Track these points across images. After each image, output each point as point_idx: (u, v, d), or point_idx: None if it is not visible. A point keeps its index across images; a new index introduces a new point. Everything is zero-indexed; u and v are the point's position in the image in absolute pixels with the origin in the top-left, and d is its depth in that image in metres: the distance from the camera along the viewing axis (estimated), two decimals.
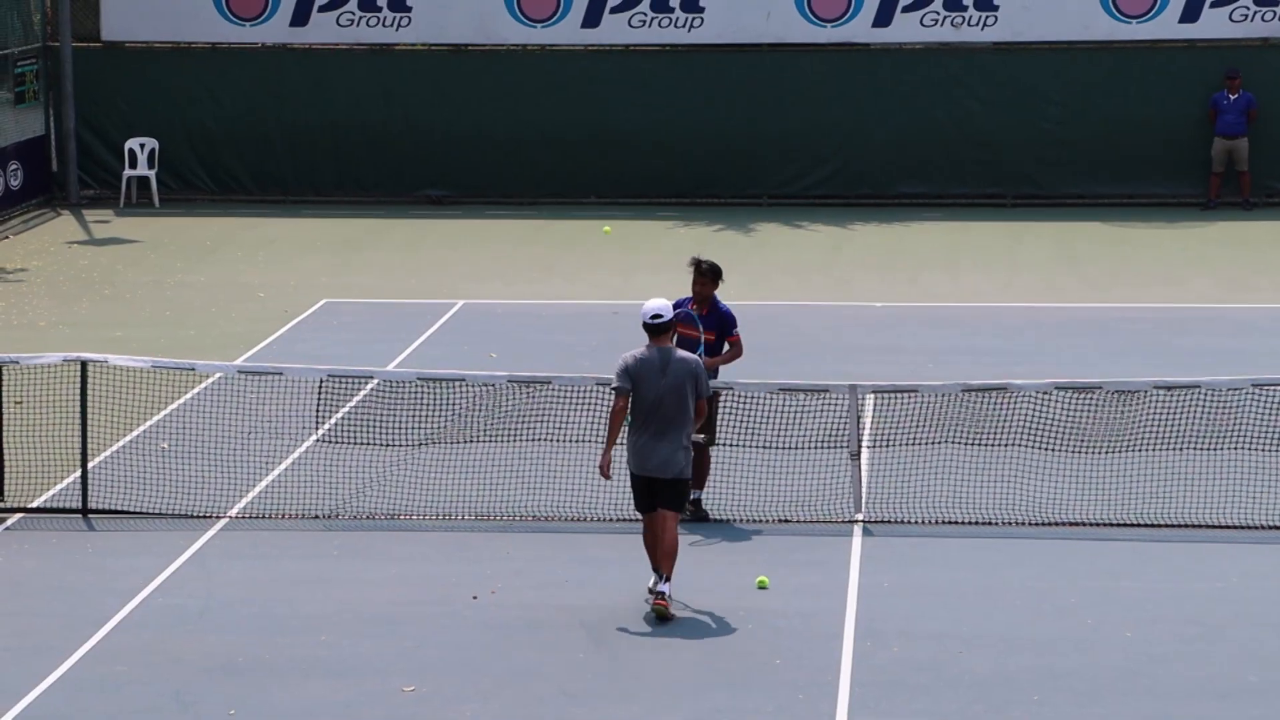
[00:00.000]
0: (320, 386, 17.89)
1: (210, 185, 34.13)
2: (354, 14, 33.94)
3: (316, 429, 18.23)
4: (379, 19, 33.94)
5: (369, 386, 18.76)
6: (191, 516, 17.00)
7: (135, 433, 19.15)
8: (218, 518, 17.01)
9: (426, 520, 17.02)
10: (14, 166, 32.84)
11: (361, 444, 17.96)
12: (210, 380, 20.55)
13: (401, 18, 33.94)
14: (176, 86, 33.95)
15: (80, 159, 33.91)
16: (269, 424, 19.05)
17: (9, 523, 16.87)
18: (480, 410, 17.92)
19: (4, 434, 17.17)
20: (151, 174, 33.67)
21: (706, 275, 17.45)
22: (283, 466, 18.26)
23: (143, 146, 33.72)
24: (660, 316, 15.02)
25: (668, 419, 14.75)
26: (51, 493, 17.48)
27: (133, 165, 33.69)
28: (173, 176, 33.99)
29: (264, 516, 17.09)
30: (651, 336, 15.09)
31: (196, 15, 33.86)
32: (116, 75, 34.03)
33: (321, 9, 33.90)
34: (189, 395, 20.29)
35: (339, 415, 18.48)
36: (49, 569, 15.85)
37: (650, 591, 14.91)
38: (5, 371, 17.28)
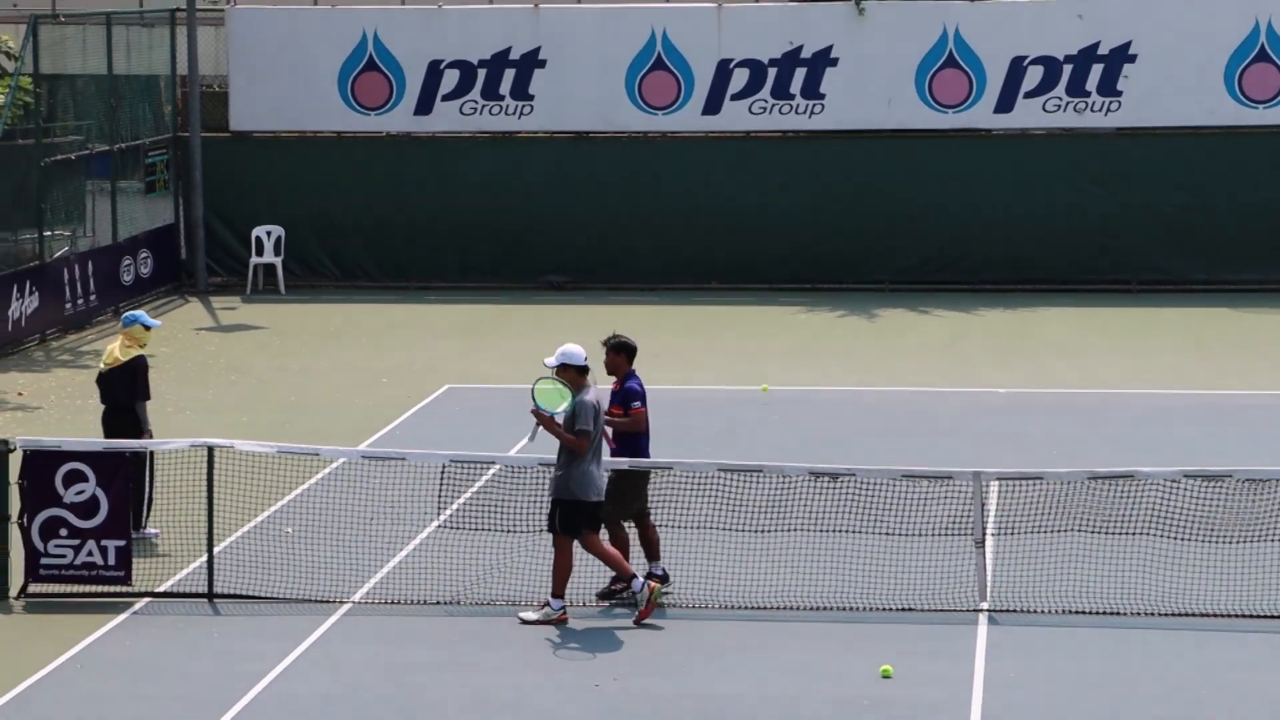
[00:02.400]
0: (443, 472, 17.93)
1: (335, 272, 34.43)
2: (477, 102, 34.23)
3: (439, 514, 18.27)
4: (501, 107, 34.21)
5: (491, 472, 18.77)
6: (315, 601, 17.05)
7: (260, 517, 19.25)
8: (341, 602, 17.05)
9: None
10: (144, 254, 33.27)
11: (483, 529, 17.97)
12: (334, 465, 20.65)
13: (524, 106, 34.19)
14: (302, 175, 34.33)
15: (208, 246, 34.32)
16: (392, 509, 19.10)
17: (136, 607, 16.99)
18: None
19: (131, 519, 17.29)
20: (278, 261, 34.01)
21: (611, 350, 17.39)
22: (405, 552, 18.30)
23: (269, 234, 34.09)
24: (586, 357, 16.69)
25: (600, 449, 16.65)
26: (178, 577, 17.59)
27: (259, 252, 34.05)
28: (298, 263, 34.32)
29: (387, 602, 17.12)
30: (583, 376, 16.60)
31: (322, 105, 34.25)
32: (244, 164, 34.46)
33: (445, 98, 34.22)
34: (313, 480, 20.39)
35: (461, 501, 18.50)
36: (175, 653, 15.93)
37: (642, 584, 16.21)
38: (129, 458, 17.42)
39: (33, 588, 17.21)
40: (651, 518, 17.40)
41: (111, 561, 17.18)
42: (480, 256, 34.20)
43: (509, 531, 17.97)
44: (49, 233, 30.52)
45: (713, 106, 33.97)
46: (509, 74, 34.12)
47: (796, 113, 33.89)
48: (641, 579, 16.67)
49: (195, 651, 15.96)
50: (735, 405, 25.11)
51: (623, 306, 32.63)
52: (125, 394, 18.80)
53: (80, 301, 30.94)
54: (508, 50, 34.10)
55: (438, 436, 22.80)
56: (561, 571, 16.58)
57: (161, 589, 17.33)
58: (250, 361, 28.20)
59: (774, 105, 33.88)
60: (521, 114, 34.26)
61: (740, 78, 33.88)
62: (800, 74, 33.79)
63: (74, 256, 31.14)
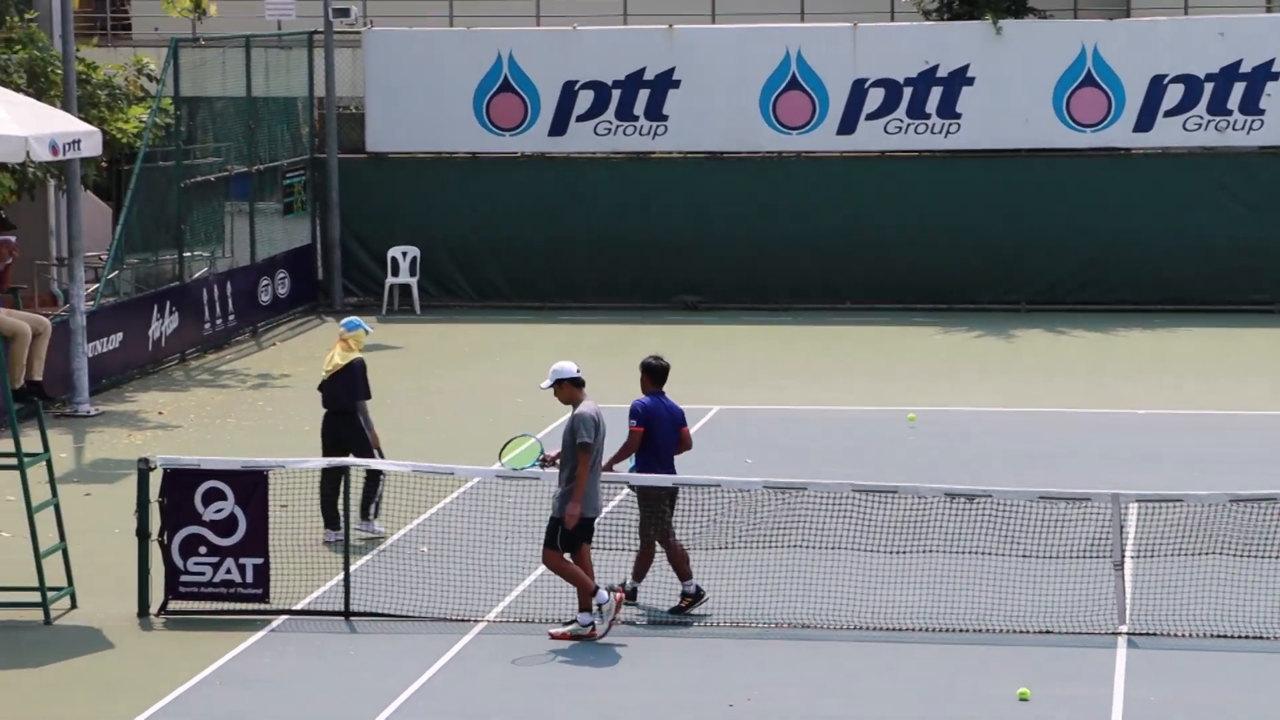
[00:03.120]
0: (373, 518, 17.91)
1: (469, 292, 34.59)
2: (611, 123, 34.30)
3: None
4: (635, 128, 34.26)
5: (624, 493, 18.77)
6: (450, 620, 17.10)
7: (396, 536, 19.34)
8: (475, 621, 17.10)
9: (682, 626, 16.94)
10: (282, 275, 33.56)
11: (617, 549, 17.96)
12: (469, 484, 20.71)
13: (658, 126, 34.23)
14: (437, 196, 34.53)
15: (344, 267, 34.59)
16: (527, 528, 19.13)
17: (274, 624, 17.10)
18: (735, 516, 17.84)
19: (270, 537, 17.44)
20: (413, 281, 34.22)
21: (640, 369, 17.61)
22: (539, 571, 18.30)
23: (405, 254, 34.30)
24: (579, 370, 16.73)
25: (599, 463, 16.48)
26: (315, 595, 17.70)
27: (395, 273, 34.27)
28: (433, 284, 34.51)
29: (522, 620, 17.14)
30: (579, 390, 16.61)
31: (457, 126, 34.43)
32: (380, 185, 34.69)
33: (580, 118, 34.31)
34: (448, 499, 20.47)
35: (595, 521, 18.48)
36: (312, 671, 16.03)
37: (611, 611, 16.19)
38: (272, 475, 17.58)
39: (173, 604, 17.36)
40: (677, 537, 17.21)
41: (250, 579, 17.31)
42: (613, 276, 34.25)
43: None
44: (189, 253, 30.84)
45: (847, 126, 33.86)
46: (643, 94, 34.16)
47: (932, 132, 33.72)
48: (606, 591, 16.46)
49: (332, 669, 16.05)
50: (869, 426, 24.99)
51: (755, 326, 32.60)
52: (347, 396, 19.24)
53: (219, 321, 31.25)
54: (642, 71, 34.15)
55: None
56: (582, 584, 16.43)
57: (299, 607, 17.44)
58: (385, 381, 28.31)
59: (909, 125, 33.73)
60: (655, 134, 34.30)
61: (875, 97, 33.75)
62: (936, 93, 33.62)
63: (213, 277, 31.45)
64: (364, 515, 19.20)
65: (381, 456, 19.23)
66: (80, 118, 23.66)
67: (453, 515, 20.02)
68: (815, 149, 34.04)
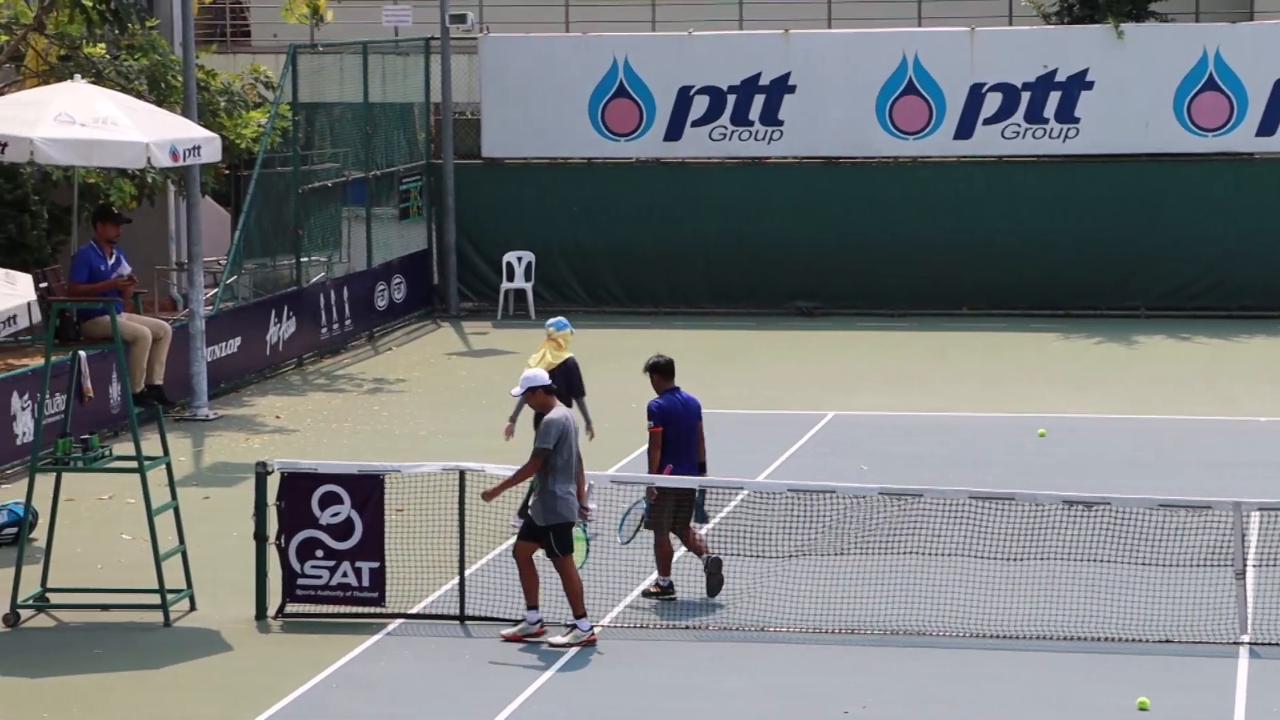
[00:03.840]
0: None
1: (584, 297, 34.64)
2: (726, 128, 34.27)
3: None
4: (751, 133, 34.21)
5: (739, 497, 18.73)
6: (565, 625, 17.09)
7: (511, 540, 19.35)
8: (591, 626, 17.07)
9: (796, 632, 16.90)
10: (398, 280, 33.72)
11: (731, 555, 17.92)
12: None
13: (773, 131, 34.17)
14: (552, 201, 34.60)
15: (460, 272, 34.72)
16: (641, 534, 19.10)
17: (390, 628, 17.16)
18: (851, 522, 17.76)
19: (386, 541, 17.50)
20: (528, 286, 34.30)
21: (645, 370, 18.08)
22: (654, 576, 18.28)
23: (520, 259, 34.39)
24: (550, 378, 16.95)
25: (575, 470, 16.59)
26: (430, 599, 17.75)
27: (510, 278, 34.37)
28: (548, 288, 34.58)
29: (635, 626, 17.13)
30: (550, 396, 16.75)
31: (573, 132, 34.49)
32: (495, 191, 34.80)
33: (695, 124, 34.30)
34: None
35: (709, 526, 18.47)
36: (427, 674, 16.07)
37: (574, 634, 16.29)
38: (388, 480, 17.65)
39: (290, 608, 17.46)
40: (695, 534, 17.60)
41: (366, 583, 17.38)
42: (728, 282, 34.20)
43: (757, 556, 17.90)
44: (306, 258, 31.05)
45: (964, 131, 33.68)
46: (758, 99, 34.11)
47: (1050, 137, 33.49)
48: (539, 616, 16.63)
49: (447, 673, 16.09)
50: (988, 433, 24.83)
51: (870, 332, 32.47)
52: (566, 393, 19.61)
53: (336, 326, 31.43)
54: (757, 76, 34.09)
55: None
56: (575, 592, 16.59)
57: (414, 610, 17.49)
58: (501, 386, 28.35)
59: (1027, 129, 33.52)
60: (771, 139, 34.23)
61: (993, 102, 33.55)
62: (1054, 98, 33.38)
63: (330, 282, 31.64)
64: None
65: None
66: (200, 124, 23.86)
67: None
68: (932, 154, 33.87)
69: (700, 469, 18.00)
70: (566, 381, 19.75)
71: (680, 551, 18.01)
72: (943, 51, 33.71)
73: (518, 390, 16.96)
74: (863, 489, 17.66)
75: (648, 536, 17.86)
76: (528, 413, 19.00)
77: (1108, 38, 33.35)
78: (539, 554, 16.73)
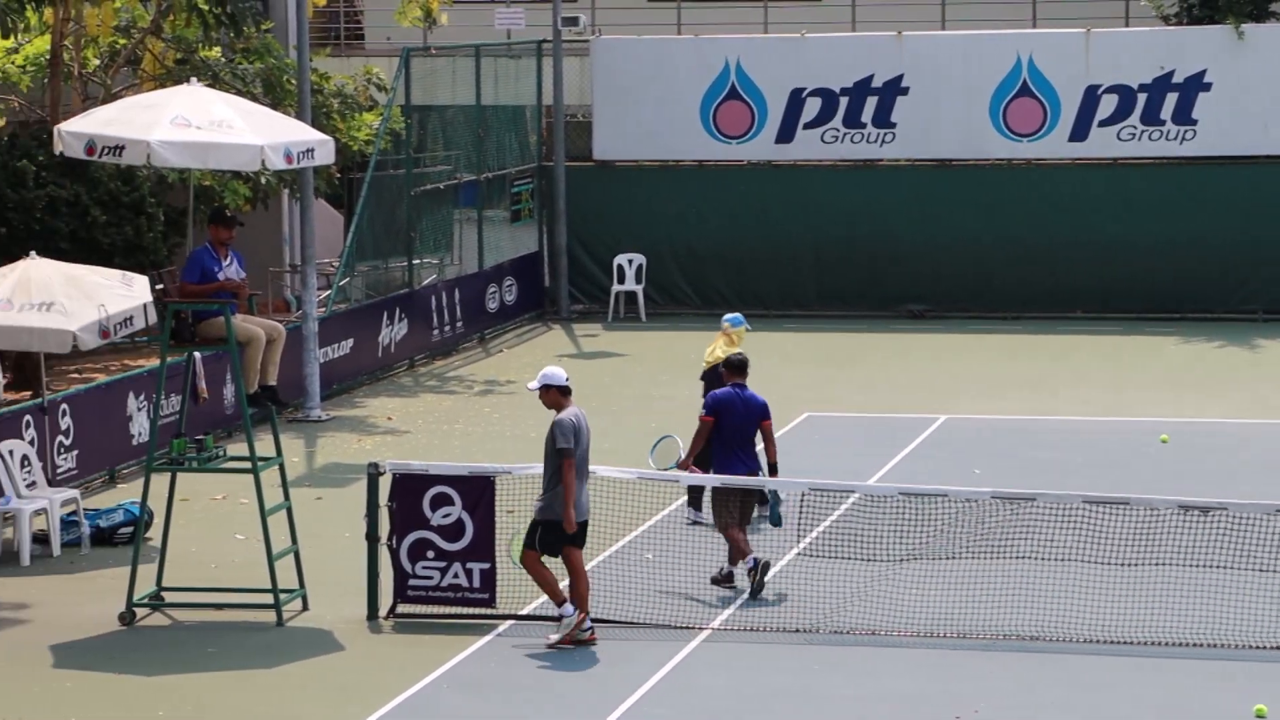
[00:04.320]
0: (802, 500, 17.86)
1: (695, 299, 34.62)
2: (838, 130, 34.17)
3: (798, 542, 18.19)
4: (863, 135, 34.10)
5: (850, 500, 18.66)
6: (675, 627, 17.09)
7: (621, 542, 19.38)
8: (701, 629, 17.06)
9: (907, 636, 16.81)
10: (509, 282, 33.81)
11: (842, 558, 17.85)
12: None
13: (886, 134, 34.04)
14: (664, 203, 34.60)
15: (571, 274, 34.78)
16: (752, 537, 19.07)
17: (500, 629, 17.20)
18: (963, 526, 17.65)
19: (497, 542, 17.54)
20: (639, 288, 34.31)
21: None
22: (765, 578, 18.23)
23: (630, 262, 34.41)
24: (569, 378, 16.85)
25: (587, 467, 16.69)
26: (541, 600, 17.74)
27: (621, 280, 34.39)
28: (659, 291, 34.59)
29: (746, 629, 17.09)
30: (566, 397, 16.64)
31: (684, 134, 34.49)
32: (606, 193, 34.85)
33: (806, 126, 34.22)
34: (673, 506, 20.47)
35: (820, 529, 18.42)
36: (539, 676, 16.09)
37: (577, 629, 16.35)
38: (499, 481, 17.68)
39: (401, 608, 17.52)
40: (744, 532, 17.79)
41: (477, 584, 17.42)
42: (839, 285, 34.10)
43: (868, 560, 17.81)
44: (418, 260, 31.18)
45: (1079, 133, 33.44)
46: (871, 101, 33.99)
47: (1167, 139, 33.19)
48: (573, 607, 16.59)
49: (557, 674, 16.10)
50: (1104, 437, 24.62)
51: (983, 335, 32.28)
52: None
53: (447, 328, 31.55)
54: (870, 78, 33.97)
55: (797, 464, 22.70)
56: (581, 589, 16.60)
57: (525, 612, 17.52)
58: (611, 388, 28.45)
59: (1143, 131, 33.24)
60: (883, 141, 34.11)
61: (1108, 103, 33.29)
62: (1171, 99, 33.09)
63: (441, 284, 31.77)
64: (694, 504, 19.93)
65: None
66: (313, 126, 23.99)
67: (678, 522, 20.01)
68: (1046, 156, 33.65)
69: (771, 469, 18.04)
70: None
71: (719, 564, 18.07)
72: (1058, 52, 33.48)
73: (534, 385, 16.96)
74: (975, 493, 17.55)
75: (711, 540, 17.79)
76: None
77: (1227, 38, 33.03)
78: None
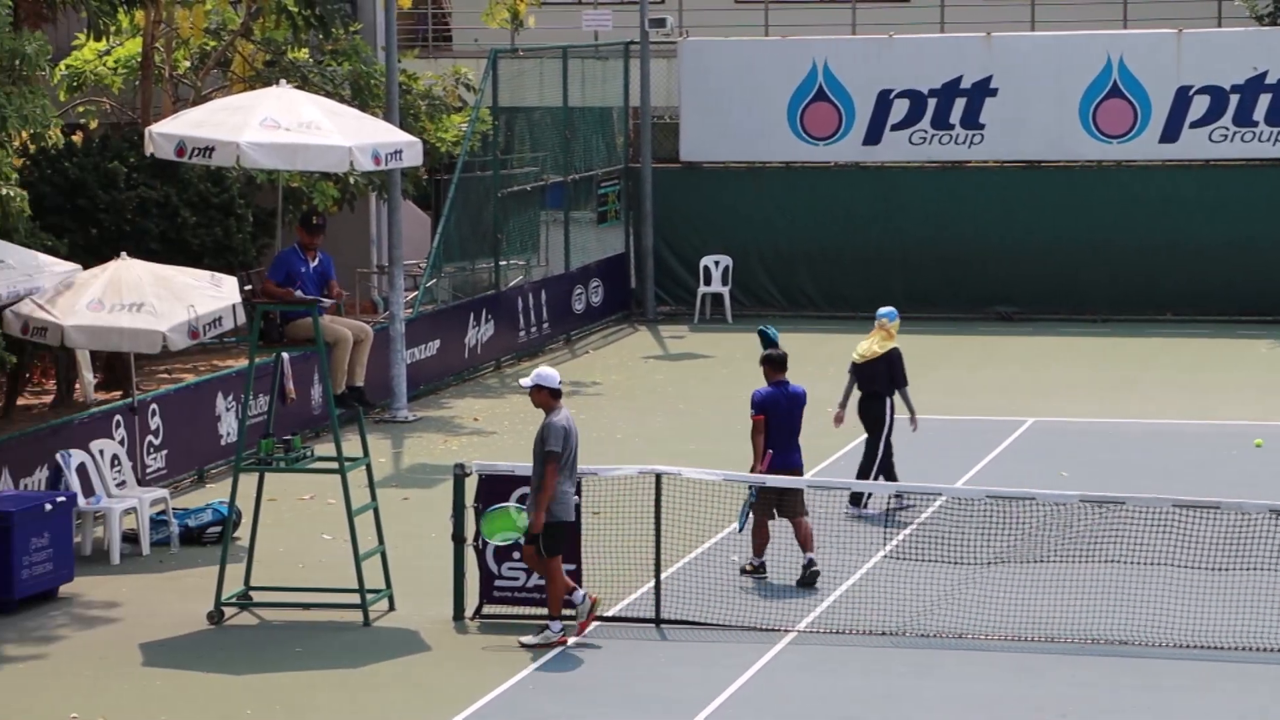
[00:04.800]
0: (889, 503, 17.80)
1: (781, 301, 34.56)
2: (926, 132, 34.05)
3: (884, 544, 18.13)
4: (951, 137, 33.97)
5: (937, 503, 18.58)
6: (760, 629, 17.06)
7: (707, 544, 19.36)
8: (785, 631, 17.03)
9: (993, 640, 16.73)
10: (595, 284, 33.84)
11: (929, 561, 17.79)
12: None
13: (974, 135, 33.90)
14: (750, 205, 34.55)
15: (657, 275, 34.78)
16: (837, 538, 19.03)
17: (586, 630, 17.19)
18: (1051, 530, 17.56)
19: (582, 543, 17.56)
20: (725, 290, 34.28)
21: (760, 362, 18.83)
22: (851, 581, 18.21)
23: (717, 263, 34.38)
24: (562, 383, 16.99)
25: (575, 469, 16.80)
26: (626, 601, 17.77)
27: (707, 282, 34.37)
28: (745, 293, 34.55)
29: (832, 631, 17.04)
30: (556, 399, 16.77)
31: (771, 136, 34.43)
32: (693, 194, 34.83)
33: (894, 128, 34.12)
34: None
35: (907, 531, 18.35)
36: (623, 677, 16.09)
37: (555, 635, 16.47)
38: (584, 482, 17.69)
39: (487, 609, 17.56)
40: (806, 518, 18.14)
41: None
42: (926, 286, 33.97)
43: (955, 563, 17.74)
44: (504, 262, 31.26)
45: (1170, 134, 33.20)
46: (959, 103, 33.85)
47: (1260, 140, 32.92)
48: (582, 592, 16.79)
49: (642, 676, 16.10)
50: (1194, 441, 24.43)
51: (1072, 338, 32.10)
52: (882, 383, 20.56)
53: (533, 329, 31.61)
54: (959, 79, 33.83)
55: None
56: (556, 596, 16.67)
57: (609, 613, 17.52)
58: (697, 390, 28.43)
59: (1235, 133, 32.97)
60: (971, 143, 33.96)
61: (1200, 105, 33.04)
62: (1265, 100, 32.81)
63: (528, 285, 31.83)
64: (855, 502, 20.33)
65: (889, 445, 20.52)
66: (401, 128, 24.08)
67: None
68: (1136, 158, 33.43)
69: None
70: (889, 370, 20.60)
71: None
72: (1149, 53, 33.25)
73: (527, 383, 17.07)
74: (1063, 496, 17.45)
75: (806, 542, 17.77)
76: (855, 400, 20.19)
77: None
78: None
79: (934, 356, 30.79)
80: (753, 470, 18.22)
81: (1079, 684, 15.70)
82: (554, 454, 16.60)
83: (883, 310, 21.05)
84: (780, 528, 18.63)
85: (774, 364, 18.63)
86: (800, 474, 18.38)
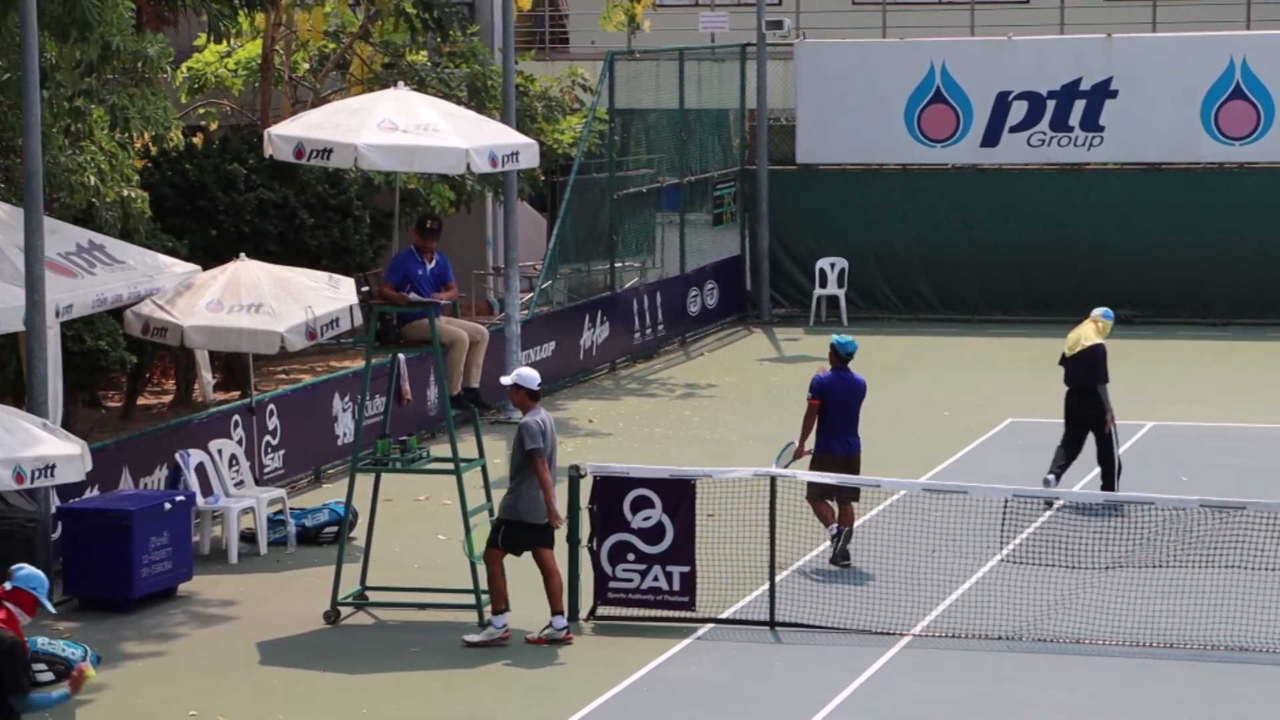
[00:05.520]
0: (1005, 506, 17.69)
1: (897, 304, 34.42)
2: (1045, 134, 33.82)
3: (1001, 548, 18.02)
4: (1070, 139, 33.73)
5: (1054, 507, 18.43)
6: (875, 633, 16.98)
7: (820, 548, 19.29)
8: (901, 635, 16.94)
9: (1111, 646, 16.58)
10: (710, 286, 33.81)
11: (1046, 565, 17.65)
12: (894, 497, 20.57)
13: (1094, 137, 33.64)
14: (866, 207, 34.43)
15: (772, 278, 34.71)
16: (953, 542, 18.92)
17: (700, 632, 17.19)
18: (1170, 535, 17.38)
19: (697, 545, 17.53)
20: (841, 293, 34.17)
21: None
22: (966, 585, 18.10)
23: (833, 266, 34.28)
24: (541, 384, 17.25)
25: (553, 469, 16.96)
26: (741, 604, 17.73)
27: (823, 284, 34.27)
28: (861, 295, 34.42)
29: (947, 635, 16.94)
30: (533, 400, 16.92)
31: (888, 138, 34.30)
32: (809, 197, 34.74)
33: (1013, 129, 33.91)
34: (874, 511, 20.34)
35: (1023, 535, 18.23)
36: (736, 680, 16.06)
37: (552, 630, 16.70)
38: (699, 484, 17.67)
39: (601, 610, 17.57)
40: (855, 504, 18.83)
41: (676, 587, 17.42)
42: (1045, 289, 33.73)
43: (1072, 568, 17.60)
44: (620, 263, 31.28)
45: None
46: (1079, 105, 33.60)
47: None
48: (505, 620, 16.79)
49: (756, 679, 16.06)
50: None
51: (1192, 341, 31.80)
52: (1088, 376, 20.86)
53: (648, 331, 31.61)
54: (1078, 81, 33.58)
55: (1000, 470, 22.52)
56: (497, 589, 16.85)
57: (724, 616, 17.49)
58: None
59: None
60: (1091, 145, 33.70)
61: None
62: None
63: (643, 287, 31.83)
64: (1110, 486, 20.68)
65: (1115, 437, 20.80)
66: (517, 129, 24.14)
67: (879, 527, 19.88)
68: (1260, 159, 33.07)
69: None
70: (1092, 366, 20.91)
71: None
72: (1272, 54, 32.89)
73: (507, 381, 17.24)
74: (1183, 501, 17.26)
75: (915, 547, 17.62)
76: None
77: None
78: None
79: (1052, 359, 30.50)
80: (799, 451, 18.83)
81: (1197, 690, 15.54)
82: (537, 450, 16.76)
83: (1100, 309, 21.60)
84: (902, 538, 18.52)
85: (836, 352, 19.18)
86: (858, 459, 18.88)
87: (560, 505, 17.00)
